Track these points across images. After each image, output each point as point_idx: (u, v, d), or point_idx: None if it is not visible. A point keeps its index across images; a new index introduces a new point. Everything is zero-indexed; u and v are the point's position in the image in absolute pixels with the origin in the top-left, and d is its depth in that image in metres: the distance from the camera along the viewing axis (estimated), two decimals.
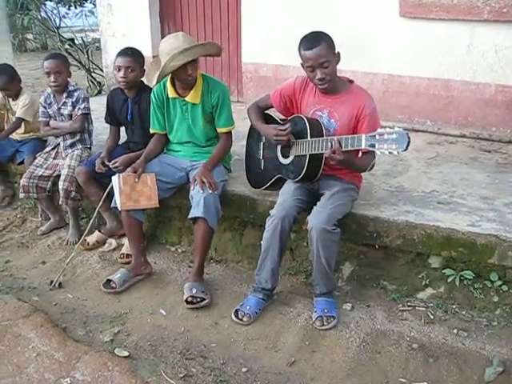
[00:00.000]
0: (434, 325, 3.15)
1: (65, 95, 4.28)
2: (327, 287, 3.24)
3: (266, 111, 3.59)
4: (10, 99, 4.72)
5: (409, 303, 3.33)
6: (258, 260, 3.29)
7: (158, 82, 3.54)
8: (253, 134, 3.69)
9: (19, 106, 4.64)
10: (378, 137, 2.79)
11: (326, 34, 3.13)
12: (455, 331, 3.09)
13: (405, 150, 2.73)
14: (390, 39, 5.01)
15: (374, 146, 2.80)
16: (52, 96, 4.34)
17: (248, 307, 3.26)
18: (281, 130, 3.25)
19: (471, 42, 4.70)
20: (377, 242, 3.36)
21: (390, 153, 2.76)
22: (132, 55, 3.86)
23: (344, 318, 3.22)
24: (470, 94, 4.83)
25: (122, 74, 3.84)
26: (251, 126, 3.67)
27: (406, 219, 3.28)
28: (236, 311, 3.26)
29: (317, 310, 3.22)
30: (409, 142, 2.70)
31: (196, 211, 3.37)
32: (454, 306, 3.26)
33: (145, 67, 3.91)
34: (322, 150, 3.06)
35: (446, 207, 3.46)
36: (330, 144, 2.96)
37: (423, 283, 3.33)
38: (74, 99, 4.27)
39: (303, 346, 3.03)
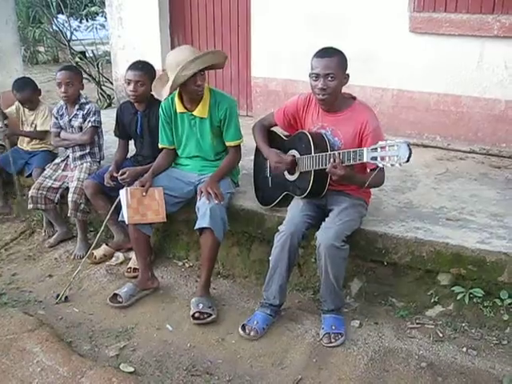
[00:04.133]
0: (442, 343, 3.12)
1: (76, 107, 4.29)
2: (335, 304, 3.21)
3: (271, 128, 3.60)
4: (27, 110, 4.75)
5: (417, 320, 3.30)
6: (266, 276, 3.27)
7: (170, 93, 3.56)
8: (260, 152, 3.68)
9: (39, 118, 4.67)
10: (379, 149, 2.75)
11: (342, 52, 3.14)
12: (464, 350, 3.05)
13: (406, 162, 2.67)
14: (399, 54, 5.00)
15: (376, 158, 2.77)
16: (64, 108, 4.36)
17: (255, 322, 3.23)
18: (282, 160, 3.31)
19: (481, 58, 4.69)
20: (385, 259, 3.33)
21: (392, 165, 2.72)
22: (142, 69, 3.87)
23: (352, 335, 3.19)
24: (479, 109, 4.81)
25: (131, 87, 3.85)
26: None
27: (415, 236, 3.26)
28: (243, 326, 3.23)
29: (324, 326, 3.19)
30: (410, 154, 2.65)
31: (202, 222, 3.36)
32: (464, 324, 3.22)
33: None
34: (325, 165, 3.04)
35: (455, 224, 3.43)
36: (331, 159, 2.94)
37: (432, 300, 3.30)
38: (84, 112, 4.28)
39: (310, 363, 3.00)
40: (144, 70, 3.87)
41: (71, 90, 4.21)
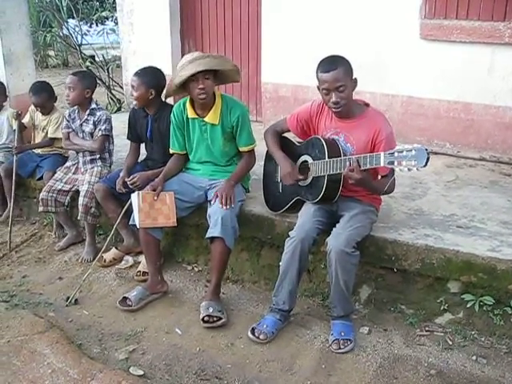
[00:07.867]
0: (452, 351, 3.11)
1: (87, 112, 4.30)
2: (344, 310, 3.22)
3: (284, 134, 3.60)
4: (40, 115, 4.77)
5: (427, 328, 3.29)
6: (276, 281, 3.28)
7: (168, 94, 3.64)
8: (270, 158, 3.69)
9: (51, 125, 4.70)
10: (396, 154, 2.76)
11: (344, 58, 3.14)
12: (474, 358, 3.05)
13: (424, 166, 2.68)
14: (410, 61, 5.00)
15: (392, 163, 2.78)
16: (76, 111, 4.38)
17: (265, 326, 3.24)
18: (293, 174, 3.34)
19: (492, 65, 4.68)
20: (395, 266, 3.33)
21: (409, 169, 2.72)
22: (138, 74, 3.91)
23: (361, 342, 3.19)
24: (490, 117, 4.80)
25: (131, 91, 3.95)
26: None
27: (425, 243, 3.25)
28: (252, 329, 3.24)
29: (333, 332, 3.19)
30: (428, 158, 2.66)
31: (213, 231, 3.37)
32: (473, 332, 3.22)
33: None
34: (340, 169, 3.05)
35: (465, 231, 3.43)
36: (348, 163, 2.95)
37: (442, 308, 3.29)
38: (95, 118, 4.29)
39: (319, 369, 3.00)
40: (140, 76, 3.90)
41: (72, 95, 4.22)
